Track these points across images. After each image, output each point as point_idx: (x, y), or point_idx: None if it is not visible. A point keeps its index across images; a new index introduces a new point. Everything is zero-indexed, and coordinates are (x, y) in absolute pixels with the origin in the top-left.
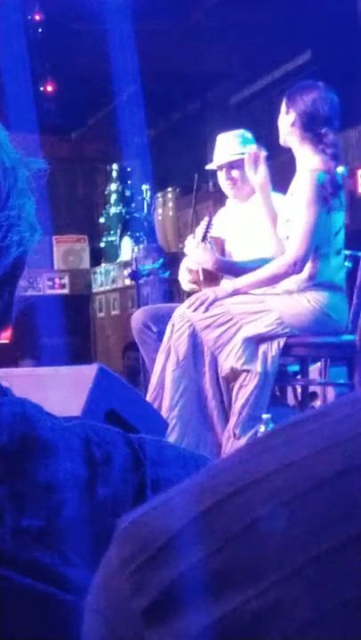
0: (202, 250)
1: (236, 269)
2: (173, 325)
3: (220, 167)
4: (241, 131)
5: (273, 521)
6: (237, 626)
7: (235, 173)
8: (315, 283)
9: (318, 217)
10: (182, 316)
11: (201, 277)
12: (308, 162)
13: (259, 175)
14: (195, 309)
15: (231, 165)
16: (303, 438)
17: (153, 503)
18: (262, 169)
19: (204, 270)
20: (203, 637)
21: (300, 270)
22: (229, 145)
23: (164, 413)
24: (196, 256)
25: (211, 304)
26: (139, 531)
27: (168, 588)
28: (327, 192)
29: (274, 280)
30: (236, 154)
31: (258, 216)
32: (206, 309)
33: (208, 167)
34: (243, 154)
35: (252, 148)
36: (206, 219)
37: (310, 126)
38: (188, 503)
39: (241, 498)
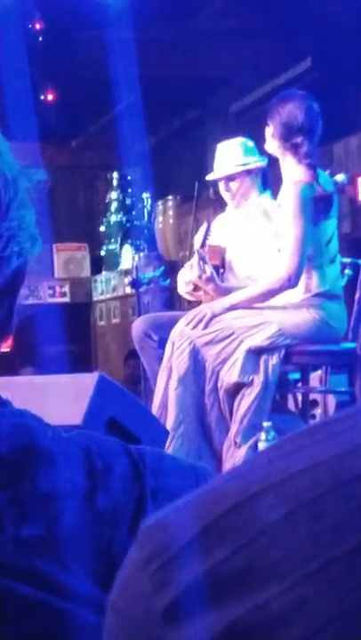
0: (204, 280)
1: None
2: (173, 344)
3: (220, 179)
4: (242, 139)
5: (296, 520)
6: (259, 624)
7: (233, 185)
8: (313, 295)
9: (306, 228)
10: (181, 334)
11: (201, 293)
12: (292, 173)
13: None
14: (193, 327)
15: (230, 177)
16: (328, 440)
17: (176, 504)
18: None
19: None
20: (224, 636)
21: (296, 284)
22: (229, 155)
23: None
24: (200, 284)
25: (209, 321)
26: (161, 531)
27: (189, 588)
28: (311, 205)
29: (270, 295)
30: (237, 164)
31: (257, 222)
32: (205, 326)
33: (209, 177)
34: (244, 164)
35: (254, 159)
36: (205, 225)
37: (287, 137)
38: (210, 504)
39: (263, 498)
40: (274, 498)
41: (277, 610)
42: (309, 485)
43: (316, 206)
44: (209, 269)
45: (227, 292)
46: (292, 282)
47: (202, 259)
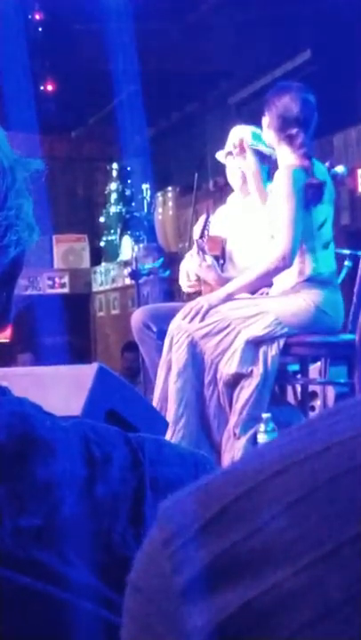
0: (205, 268)
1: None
2: (172, 338)
3: (231, 153)
4: (254, 127)
5: (311, 502)
6: (272, 605)
7: (245, 161)
8: (306, 279)
9: (297, 210)
10: (179, 328)
11: (202, 287)
12: (286, 160)
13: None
14: (190, 320)
15: (243, 153)
16: (344, 422)
17: (194, 485)
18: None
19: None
20: (239, 615)
21: (291, 263)
22: (245, 135)
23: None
24: (200, 273)
25: (206, 313)
26: (180, 512)
27: (207, 568)
28: (303, 190)
29: (266, 278)
30: (251, 144)
31: (259, 211)
32: (202, 319)
33: (219, 154)
34: (256, 145)
35: (263, 147)
36: (204, 216)
37: (283, 127)
38: (228, 485)
39: (280, 480)
40: (290, 479)
41: (290, 591)
42: (325, 467)
43: (306, 192)
44: (209, 259)
45: (227, 282)
46: (286, 261)
47: (201, 249)
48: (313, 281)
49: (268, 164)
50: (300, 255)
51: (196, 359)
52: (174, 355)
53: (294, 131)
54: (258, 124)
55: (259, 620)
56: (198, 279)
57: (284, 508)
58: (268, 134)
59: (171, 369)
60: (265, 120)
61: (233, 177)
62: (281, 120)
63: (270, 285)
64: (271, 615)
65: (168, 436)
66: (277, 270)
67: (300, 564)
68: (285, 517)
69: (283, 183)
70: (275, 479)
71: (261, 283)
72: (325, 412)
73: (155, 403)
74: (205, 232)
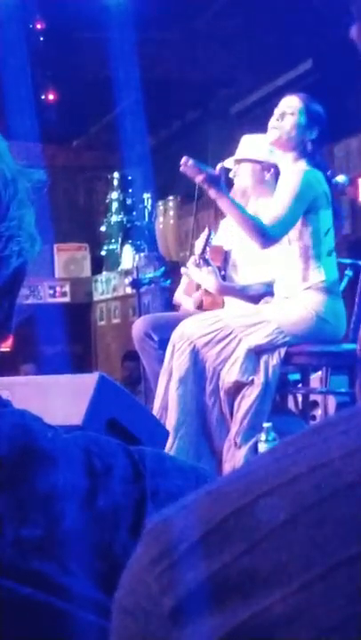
0: (206, 274)
1: (238, 294)
2: (174, 346)
3: (240, 161)
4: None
5: (300, 524)
6: (262, 628)
7: (254, 170)
8: (309, 286)
9: (297, 209)
10: (182, 335)
11: (202, 298)
12: (295, 166)
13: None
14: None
15: (253, 162)
16: (331, 441)
17: (180, 504)
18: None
19: (206, 290)
20: (230, 639)
21: (265, 245)
22: (257, 144)
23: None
24: (199, 280)
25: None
26: (166, 532)
27: (195, 590)
28: (312, 193)
29: (247, 229)
30: (264, 154)
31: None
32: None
33: (227, 161)
34: (269, 156)
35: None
36: (206, 231)
37: (297, 137)
38: (215, 505)
39: (267, 500)
40: (277, 500)
41: (281, 614)
42: (312, 488)
43: (320, 196)
44: (211, 269)
45: (227, 290)
46: (264, 240)
47: (203, 258)
48: (316, 289)
49: (274, 176)
50: (305, 261)
51: (197, 367)
52: (176, 362)
53: (308, 141)
54: (258, 132)
55: None
56: (199, 302)
57: (272, 529)
58: (287, 133)
59: (172, 377)
60: (291, 118)
61: (245, 179)
62: (295, 128)
63: (272, 294)
64: (263, 639)
65: (168, 444)
66: (254, 239)
67: (290, 588)
68: (274, 540)
69: (293, 182)
70: (262, 500)
71: (243, 226)
72: (315, 427)
73: (155, 411)
74: (207, 248)
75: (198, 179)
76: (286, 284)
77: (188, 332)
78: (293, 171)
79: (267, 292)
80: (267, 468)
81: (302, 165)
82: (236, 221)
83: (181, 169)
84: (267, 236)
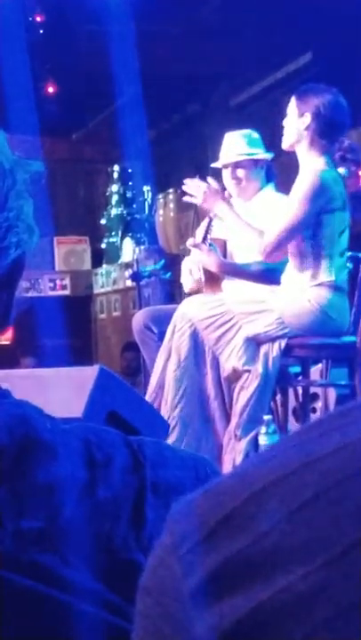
0: (206, 252)
1: (239, 271)
2: (175, 325)
3: (226, 166)
4: (248, 131)
5: (321, 504)
6: (283, 607)
7: (240, 173)
8: (317, 283)
9: (307, 216)
10: (183, 316)
11: (203, 278)
12: (313, 164)
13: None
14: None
15: (237, 165)
16: (355, 424)
17: (205, 487)
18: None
19: (206, 271)
20: (249, 618)
21: (268, 259)
22: (236, 144)
23: (164, 414)
24: (199, 258)
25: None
26: (190, 515)
27: (217, 570)
28: (328, 194)
29: (251, 244)
30: (243, 154)
31: (260, 215)
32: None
33: (213, 165)
34: (249, 154)
35: (260, 150)
36: (207, 220)
37: (326, 131)
38: (238, 487)
39: (291, 481)
40: (299, 481)
41: (302, 593)
42: (335, 468)
43: (351, 200)
44: (211, 247)
45: (229, 267)
46: (264, 254)
47: (204, 235)
48: (324, 286)
49: (263, 167)
50: (316, 260)
51: (197, 349)
52: (175, 342)
53: (340, 136)
54: (258, 126)
55: (268, 624)
56: (199, 284)
57: (293, 510)
58: (301, 136)
59: (170, 356)
60: (300, 121)
61: (228, 185)
62: (325, 122)
63: (276, 284)
64: (281, 618)
65: None
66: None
67: (311, 567)
68: (295, 519)
69: (304, 185)
70: (284, 481)
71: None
72: (334, 414)
73: (150, 388)
74: (208, 235)
75: (199, 194)
76: (295, 281)
77: (190, 314)
78: (309, 170)
79: (270, 270)
80: (289, 451)
81: (319, 165)
82: (241, 234)
83: (184, 187)
84: (261, 251)
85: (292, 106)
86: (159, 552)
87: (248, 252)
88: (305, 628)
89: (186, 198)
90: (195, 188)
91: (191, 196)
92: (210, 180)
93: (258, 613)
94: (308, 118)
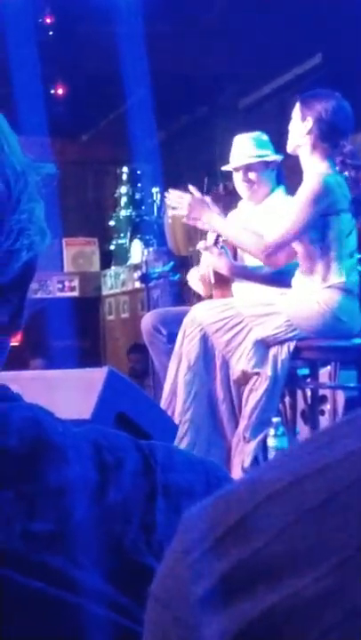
0: (217, 255)
1: (250, 274)
2: (185, 331)
3: (237, 169)
4: (258, 133)
5: (331, 508)
6: (293, 611)
7: (252, 175)
8: (327, 285)
9: (310, 219)
10: (193, 321)
11: (212, 280)
12: (316, 168)
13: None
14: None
15: (248, 167)
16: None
17: (216, 494)
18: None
19: (216, 274)
20: (259, 623)
21: (266, 262)
22: (247, 147)
23: (176, 418)
24: (210, 261)
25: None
26: (200, 521)
27: (227, 576)
28: (331, 197)
29: (248, 248)
30: (254, 156)
31: (271, 218)
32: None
33: (224, 168)
34: (260, 156)
35: (270, 152)
36: None
37: (328, 135)
38: (248, 493)
39: (301, 487)
40: (309, 488)
41: (312, 597)
42: (343, 475)
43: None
44: (222, 250)
45: (239, 270)
46: (264, 256)
47: (215, 239)
48: (334, 288)
49: (274, 169)
50: (326, 262)
51: (207, 354)
52: (186, 347)
53: (341, 141)
54: (267, 127)
55: (278, 628)
56: (208, 288)
57: (302, 515)
58: (303, 141)
59: (181, 362)
60: (303, 125)
61: (240, 187)
62: (327, 127)
63: (286, 286)
64: (291, 623)
65: None
66: (254, 256)
67: (320, 571)
68: (305, 524)
69: (307, 188)
70: (293, 488)
71: (245, 249)
72: (343, 421)
73: (164, 395)
74: (220, 238)
75: (183, 206)
76: (305, 284)
77: (200, 318)
78: (312, 174)
79: (281, 273)
80: (298, 458)
81: (322, 168)
82: (234, 241)
83: (166, 200)
84: (262, 251)
85: (297, 110)
86: (170, 559)
87: (248, 258)
88: (315, 633)
89: (170, 212)
90: (177, 201)
91: (174, 208)
92: (191, 189)
93: (267, 618)
94: (310, 123)
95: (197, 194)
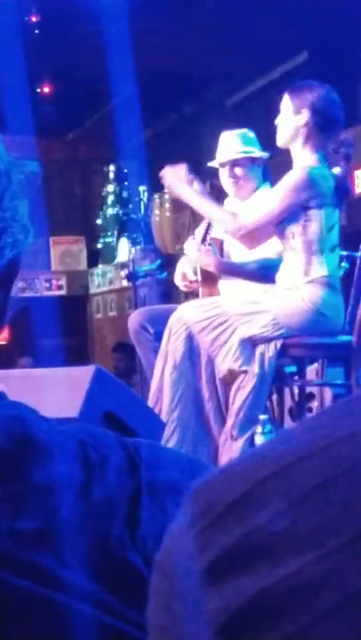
0: (204, 252)
1: (237, 271)
2: (170, 329)
3: (223, 165)
4: (244, 130)
5: (334, 487)
6: (292, 590)
7: (238, 171)
8: (310, 280)
9: (287, 207)
10: (178, 320)
11: (199, 278)
12: (305, 161)
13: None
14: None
15: (234, 163)
16: None
17: (223, 467)
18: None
19: (203, 271)
20: (260, 598)
21: (241, 240)
22: (233, 143)
23: (163, 416)
24: (197, 258)
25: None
26: (205, 494)
27: (230, 549)
28: (315, 190)
29: (221, 224)
30: (240, 152)
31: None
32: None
33: (211, 164)
34: (247, 152)
35: (256, 149)
36: (206, 220)
37: (323, 126)
38: (254, 468)
39: (306, 464)
40: (315, 464)
41: (312, 576)
42: (350, 453)
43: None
44: (209, 247)
45: (227, 267)
46: (237, 234)
47: (203, 236)
48: (316, 283)
49: (260, 165)
50: (308, 256)
51: (193, 352)
52: (171, 346)
53: (338, 132)
54: (255, 125)
55: (279, 605)
56: (195, 281)
57: (308, 492)
58: (297, 133)
59: (167, 360)
60: (297, 118)
61: (225, 183)
62: (323, 118)
63: (273, 282)
64: (290, 602)
65: None
66: (228, 231)
67: (322, 551)
68: (309, 502)
69: (290, 178)
70: (300, 463)
71: (216, 223)
72: (353, 397)
73: (151, 394)
74: (207, 236)
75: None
76: (288, 278)
77: (185, 317)
78: (298, 165)
79: (268, 268)
80: (306, 434)
81: (311, 161)
82: (207, 214)
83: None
84: (236, 229)
85: (287, 103)
86: (175, 529)
87: (244, 253)
88: (314, 613)
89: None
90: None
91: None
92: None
93: (269, 594)
94: (305, 115)
95: (179, 169)
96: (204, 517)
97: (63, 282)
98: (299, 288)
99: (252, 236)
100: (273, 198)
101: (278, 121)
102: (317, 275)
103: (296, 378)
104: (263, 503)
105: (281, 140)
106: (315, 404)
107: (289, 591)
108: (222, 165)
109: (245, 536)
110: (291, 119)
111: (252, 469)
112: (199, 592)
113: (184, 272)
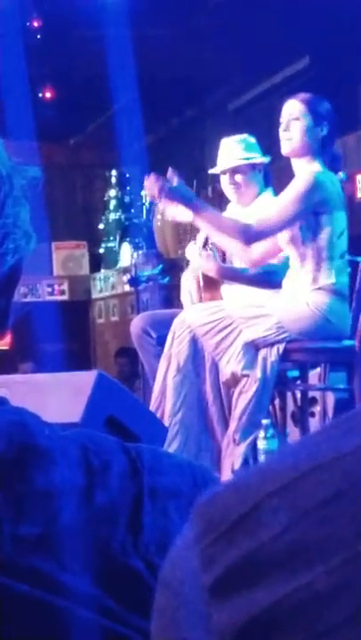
0: (205, 257)
1: (238, 276)
2: (174, 332)
3: (224, 171)
4: (245, 135)
5: (343, 501)
6: (302, 604)
7: (238, 178)
8: (317, 287)
9: (297, 213)
10: (183, 323)
11: (201, 283)
12: (310, 167)
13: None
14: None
15: (235, 170)
16: None
17: (229, 481)
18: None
19: (205, 276)
20: (268, 613)
21: (244, 245)
22: (234, 150)
23: (165, 420)
24: (198, 263)
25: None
26: (213, 508)
27: (237, 565)
28: (322, 195)
29: (226, 231)
30: (241, 159)
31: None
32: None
33: (211, 171)
34: (247, 159)
35: (257, 154)
36: None
37: (334, 138)
38: (260, 482)
39: (313, 477)
40: (323, 478)
41: (321, 590)
42: (357, 466)
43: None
44: (210, 252)
45: (228, 272)
46: (243, 240)
47: (205, 240)
48: (324, 290)
49: (261, 171)
50: (317, 263)
51: (196, 355)
52: (175, 349)
53: (336, 139)
54: (256, 130)
55: (287, 620)
56: (198, 293)
57: (316, 505)
58: (313, 142)
59: (170, 363)
60: (315, 129)
61: (227, 190)
62: (334, 131)
63: (274, 288)
64: (301, 615)
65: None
66: (233, 238)
67: (332, 564)
68: (317, 516)
69: (298, 183)
70: (308, 477)
71: (222, 231)
72: (357, 411)
73: (154, 397)
74: (208, 241)
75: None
76: (296, 284)
77: (189, 320)
78: (305, 171)
79: (269, 273)
80: (314, 447)
81: (315, 167)
82: (215, 228)
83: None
84: (248, 232)
85: (302, 114)
86: (180, 545)
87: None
88: (323, 626)
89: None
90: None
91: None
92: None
93: (277, 609)
94: (326, 128)
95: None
96: (209, 533)
97: (65, 287)
98: (306, 294)
99: (259, 242)
100: (282, 204)
101: (291, 129)
102: (325, 282)
103: (298, 382)
104: (270, 518)
105: (291, 149)
106: (317, 409)
107: (298, 605)
108: (223, 172)
109: (253, 551)
110: (311, 131)
111: (258, 484)
112: (205, 607)
113: (190, 291)
